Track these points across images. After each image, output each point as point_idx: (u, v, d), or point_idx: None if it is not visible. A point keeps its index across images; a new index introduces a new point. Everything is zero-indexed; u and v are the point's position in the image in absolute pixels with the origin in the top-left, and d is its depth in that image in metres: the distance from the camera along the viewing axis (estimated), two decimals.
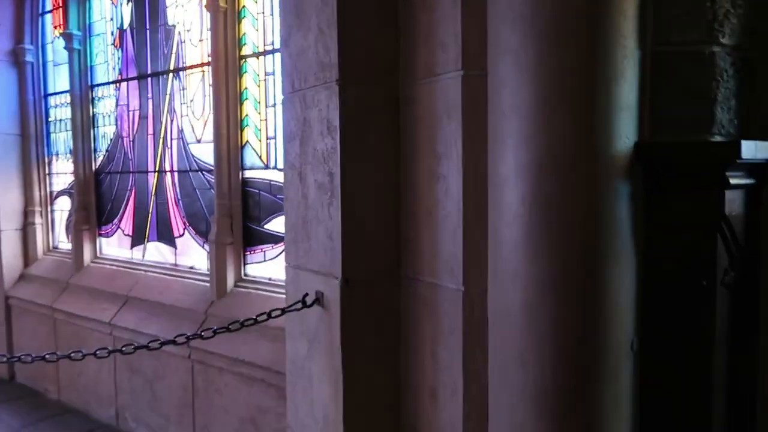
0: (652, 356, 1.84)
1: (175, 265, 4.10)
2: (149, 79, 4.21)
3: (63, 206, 5.17)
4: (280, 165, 3.37)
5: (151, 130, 4.23)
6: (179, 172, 4.06)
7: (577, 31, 1.70)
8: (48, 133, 5.23)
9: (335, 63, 2.22)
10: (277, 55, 3.34)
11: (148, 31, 4.19)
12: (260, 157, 3.49)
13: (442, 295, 2.16)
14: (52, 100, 5.20)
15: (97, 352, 2.38)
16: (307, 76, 2.38)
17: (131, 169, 4.42)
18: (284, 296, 3.24)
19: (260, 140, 3.48)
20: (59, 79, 5.10)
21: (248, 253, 3.59)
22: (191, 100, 3.93)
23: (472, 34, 2.00)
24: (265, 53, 3.42)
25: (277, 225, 3.43)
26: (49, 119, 5.23)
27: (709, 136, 1.83)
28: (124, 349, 2.40)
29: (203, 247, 3.87)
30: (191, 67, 3.91)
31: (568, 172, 1.72)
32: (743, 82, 1.87)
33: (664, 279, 1.84)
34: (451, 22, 2.05)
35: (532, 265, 1.78)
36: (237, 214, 3.56)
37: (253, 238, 3.57)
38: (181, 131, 4.02)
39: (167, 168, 4.13)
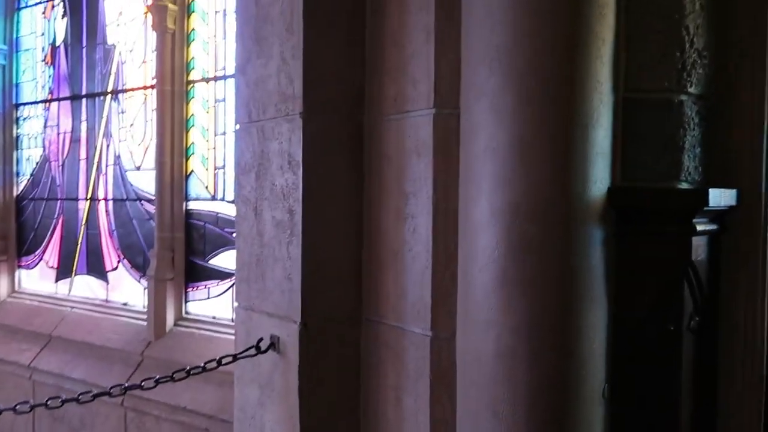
0: (622, 400, 1.81)
1: (107, 301, 3.80)
2: (84, 100, 3.94)
3: None
4: (229, 197, 3.21)
5: (83, 155, 3.95)
6: (114, 200, 3.79)
7: (556, 75, 1.69)
8: None
9: (299, 95, 2.13)
10: (230, 81, 3.21)
11: (84, 49, 3.94)
12: (207, 187, 3.32)
13: (407, 340, 2.07)
14: None
15: (17, 407, 2.10)
16: (267, 106, 2.28)
17: (59, 196, 4.10)
18: (230, 337, 3.06)
19: (207, 169, 3.31)
20: None
21: (190, 289, 3.37)
22: (131, 125, 3.70)
23: (445, 72, 1.97)
24: (215, 79, 3.28)
25: (223, 260, 3.25)
26: None
27: (677, 182, 1.85)
28: (49, 403, 2.12)
29: (139, 281, 3.61)
30: (132, 89, 3.69)
31: (545, 217, 1.70)
32: (707, 130, 1.92)
33: (633, 323, 1.83)
34: (423, 58, 2.00)
35: (506, 311, 1.73)
36: (179, 248, 3.35)
37: (196, 273, 3.35)
38: (118, 157, 3.78)
39: (101, 196, 3.85)
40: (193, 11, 3.33)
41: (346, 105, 2.21)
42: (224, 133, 3.24)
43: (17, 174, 4.37)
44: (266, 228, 2.28)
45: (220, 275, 3.26)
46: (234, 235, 3.12)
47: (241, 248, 2.43)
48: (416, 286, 2.03)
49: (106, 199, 3.83)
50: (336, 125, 2.20)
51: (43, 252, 4.20)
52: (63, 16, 4.08)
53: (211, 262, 3.32)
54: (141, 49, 3.65)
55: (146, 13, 3.60)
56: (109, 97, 3.82)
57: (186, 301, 3.38)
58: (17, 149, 4.37)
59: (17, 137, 4.38)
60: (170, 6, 3.26)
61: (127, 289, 3.72)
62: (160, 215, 3.34)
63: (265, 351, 2.22)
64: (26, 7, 4.32)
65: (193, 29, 3.34)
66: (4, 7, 4.31)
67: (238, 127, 2.43)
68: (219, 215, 3.27)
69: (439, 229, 1.97)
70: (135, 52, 3.68)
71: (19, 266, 4.35)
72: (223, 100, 3.25)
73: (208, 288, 3.32)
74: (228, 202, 3.23)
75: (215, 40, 3.28)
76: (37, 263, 4.25)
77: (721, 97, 1.96)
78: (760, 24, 1.93)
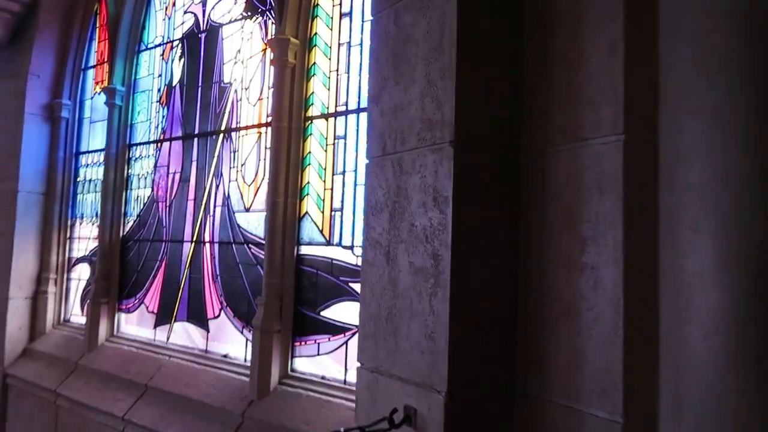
0: None
1: (206, 351, 3.55)
2: (195, 139, 3.85)
3: (81, 274, 4.71)
4: (346, 242, 2.92)
5: (192, 196, 3.83)
6: (220, 243, 3.59)
7: None
8: (74, 194, 4.87)
9: (449, 120, 1.83)
10: (351, 118, 2.98)
11: (200, 89, 3.89)
12: (321, 231, 3.04)
13: (586, 425, 1.65)
14: (83, 159, 4.89)
15: None
16: (406, 136, 2.00)
17: (164, 238, 3.97)
18: (343, 402, 2.71)
19: (322, 212, 3.04)
20: (94, 137, 4.82)
21: (298, 343, 3.04)
22: (243, 164, 3.54)
23: (636, 90, 1.60)
24: (336, 115, 3.05)
25: (336, 312, 2.92)
26: (78, 179, 4.89)
27: None
28: None
29: (242, 332, 3.34)
30: (247, 127, 3.55)
31: None
32: None
33: None
34: (606, 77, 1.68)
35: (751, 395, 1.28)
36: (288, 297, 3.05)
37: (305, 326, 3.03)
38: (227, 198, 3.61)
39: (207, 238, 3.67)
40: (315, 44, 3.15)
41: (502, 133, 1.91)
42: (343, 173, 2.97)
43: (125, 214, 4.31)
44: (401, 276, 1.95)
45: (332, 329, 2.92)
46: (352, 284, 2.83)
47: (367, 299, 2.10)
48: (600, 355, 1.62)
49: (212, 242, 3.64)
50: (490, 156, 1.89)
51: (144, 295, 4.05)
52: (180, 57, 4.08)
53: (322, 313, 2.99)
54: (257, 86, 3.52)
55: (264, 49, 3.49)
56: (221, 136, 3.70)
57: (293, 357, 3.04)
58: (127, 189, 4.34)
59: (128, 177, 4.35)
60: (292, 40, 3.11)
61: (228, 340, 3.46)
62: (269, 260, 3.06)
63: (399, 425, 1.85)
64: (146, 49, 4.38)
65: (314, 63, 3.16)
66: (125, 51, 4.39)
67: (368, 161, 2.15)
68: (334, 262, 2.96)
69: (631, 285, 1.57)
70: (251, 89, 3.56)
71: (119, 309, 4.22)
72: (344, 137, 3.00)
73: (318, 343, 2.97)
74: (344, 247, 2.92)
75: (337, 74, 3.08)
76: (137, 307, 4.11)
77: None
78: None
